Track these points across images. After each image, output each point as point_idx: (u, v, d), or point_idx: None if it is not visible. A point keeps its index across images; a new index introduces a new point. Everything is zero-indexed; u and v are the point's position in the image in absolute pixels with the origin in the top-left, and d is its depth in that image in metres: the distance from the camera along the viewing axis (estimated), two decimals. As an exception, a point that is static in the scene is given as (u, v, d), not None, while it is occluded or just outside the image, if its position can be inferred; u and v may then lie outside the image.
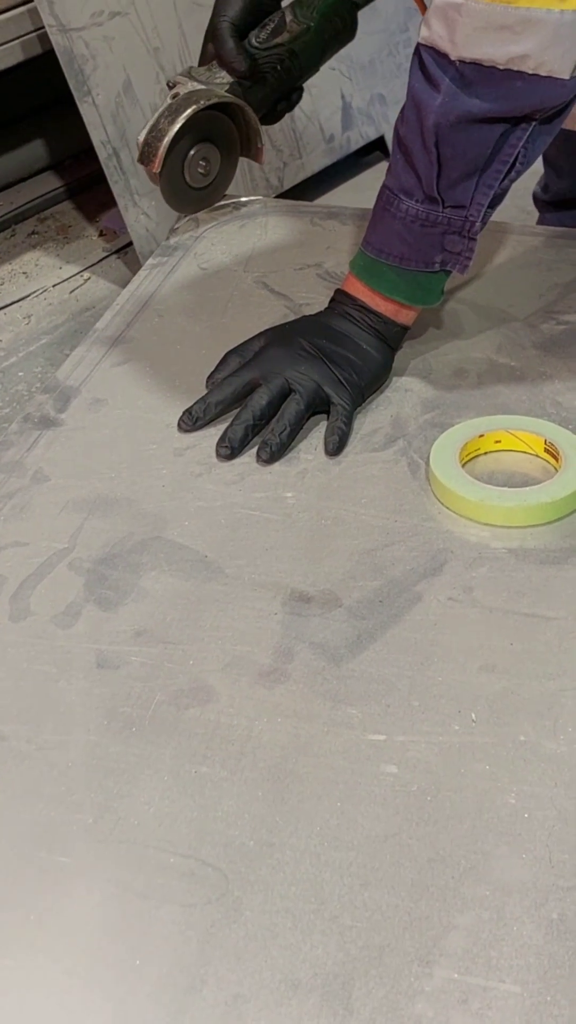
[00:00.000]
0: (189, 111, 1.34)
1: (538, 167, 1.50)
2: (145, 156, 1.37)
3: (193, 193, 1.45)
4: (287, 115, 1.46)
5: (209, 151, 1.42)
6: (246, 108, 1.37)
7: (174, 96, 1.37)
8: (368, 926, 0.75)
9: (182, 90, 1.37)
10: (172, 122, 1.35)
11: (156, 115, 1.37)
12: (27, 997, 0.74)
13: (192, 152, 1.40)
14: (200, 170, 1.42)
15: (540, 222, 1.81)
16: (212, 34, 1.32)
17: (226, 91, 1.36)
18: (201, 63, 1.38)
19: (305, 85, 1.51)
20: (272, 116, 1.42)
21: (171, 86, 1.38)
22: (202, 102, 1.34)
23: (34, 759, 0.87)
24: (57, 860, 0.80)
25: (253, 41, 1.35)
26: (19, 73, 1.80)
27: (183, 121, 1.35)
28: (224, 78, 1.36)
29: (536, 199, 1.80)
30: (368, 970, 0.73)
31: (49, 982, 0.74)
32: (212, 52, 1.34)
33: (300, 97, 1.42)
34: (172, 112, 1.35)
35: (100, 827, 0.82)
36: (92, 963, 0.75)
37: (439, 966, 0.73)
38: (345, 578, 0.99)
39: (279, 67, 1.36)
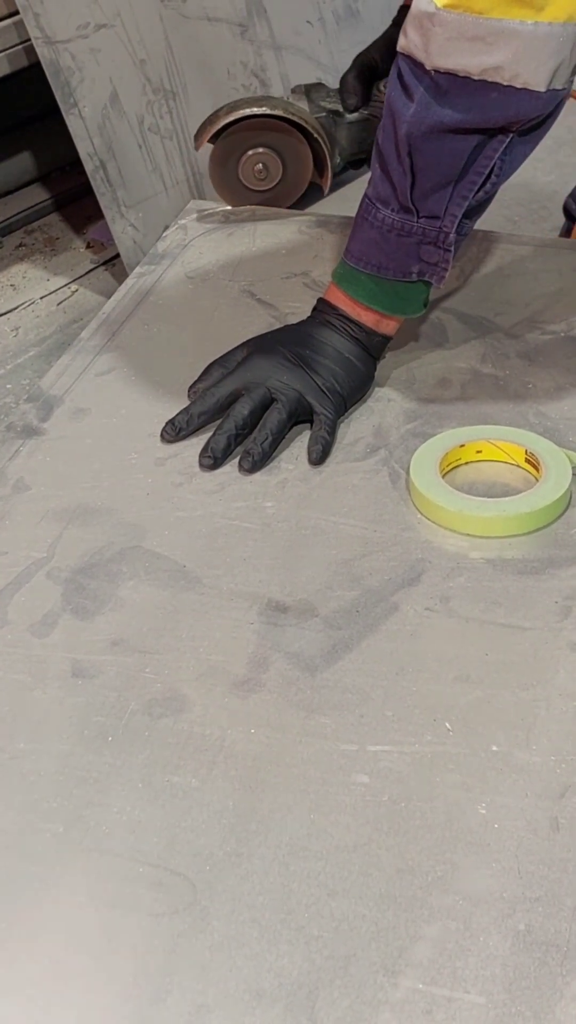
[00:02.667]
0: (244, 111, 1.47)
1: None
2: (196, 134, 1.51)
3: (244, 192, 1.55)
4: None
5: (271, 159, 1.51)
6: (318, 136, 1.47)
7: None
8: (334, 936, 0.75)
9: (292, 99, 1.52)
10: (228, 114, 1.48)
11: (225, 103, 1.50)
12: (-8, 1006, 0.74)
13: (250, 152, 1.50)
14: (257, 174, 1.51)
15: (568, 232, 1.80)
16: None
17: (320, 116, 1.48)
18: None
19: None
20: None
21: (292, 91, 1.53)
22: (265, 109, 1.47)
23: (6, 767, 0.87)
24: (26, 868, 0.80)
25: (381, 85, 1.41)
26: (5, 85, 1.81)
27: (234, 117, 1.48)
28: (332, 104, 1.49)
29: (567, 210, 1.79)
30: (333, 980, 0.73)
31: (13, 991, 0.74)
32: None
33: None
34: (232, 107, 1.48)
35: (70, 836, 0.82)
36: (57, 972, 0.75)
37: (404, 976, 0.73)
38: (322, 588, 0.99)
39: None
